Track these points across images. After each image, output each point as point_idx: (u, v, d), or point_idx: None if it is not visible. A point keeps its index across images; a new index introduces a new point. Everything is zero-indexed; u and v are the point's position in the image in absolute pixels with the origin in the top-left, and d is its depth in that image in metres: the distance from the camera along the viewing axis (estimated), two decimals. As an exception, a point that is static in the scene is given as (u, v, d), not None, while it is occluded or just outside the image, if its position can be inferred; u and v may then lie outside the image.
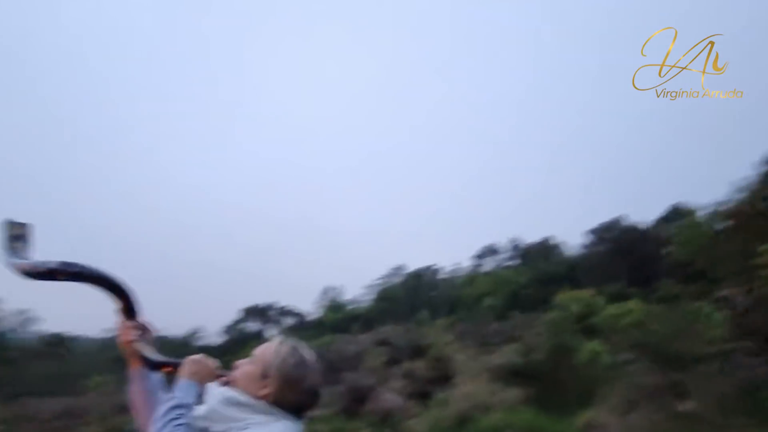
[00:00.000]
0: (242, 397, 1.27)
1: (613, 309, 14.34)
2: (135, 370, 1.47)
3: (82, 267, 1.34)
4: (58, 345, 29.62)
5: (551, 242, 32.70)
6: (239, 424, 1.23)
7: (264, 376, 1.31)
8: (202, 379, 1.37)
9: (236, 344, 28.91)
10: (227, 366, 1.40)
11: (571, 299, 15.73)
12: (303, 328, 30.54)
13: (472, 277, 32.19)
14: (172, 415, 1.26)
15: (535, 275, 26.73)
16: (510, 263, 34.61)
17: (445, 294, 30.14)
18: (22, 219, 1.36)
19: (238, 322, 34.01)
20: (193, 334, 35.41)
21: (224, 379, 1.40)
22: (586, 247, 28.19)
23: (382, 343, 14.84)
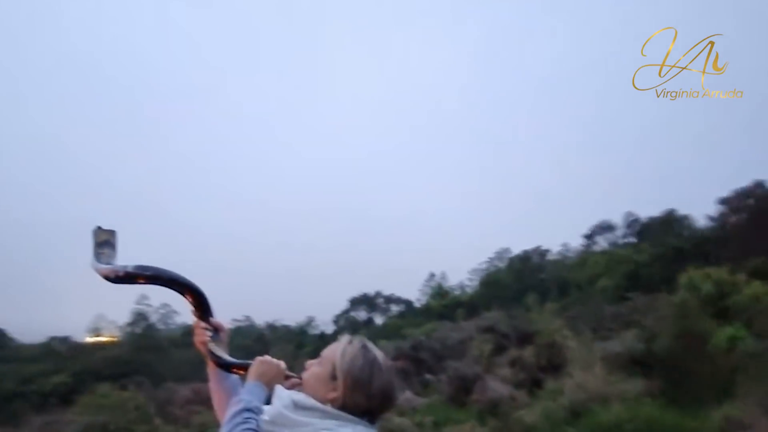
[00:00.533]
0: (309, 401, 1.22)
1: (755, 288, 12.49)
2: (212, 369, 1.46)
3: (156, 270, 1.38)
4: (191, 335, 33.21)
5: (674, 215, 29.47)
6: (307, 429, 1.18)
7: (332, 378, 1.26)
8: (270, 380, 1.34)
9: (346, 332, 30.12)
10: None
11: (701, 278, 13.95)
12: (409, 315, 30.88)
13: (584, 258, 30.14)
14: (239, 419, 1.22)
15: (656, 252, 24.26)
16: (626, 240, 31.87)
17: (553, 277, 28.61)
18: (108, 225, 1.42)
19: (347, 311, 35.40)
20: (308, 324, 37.66)
21: (293, 381, 1.36)
22: (716, 218, 24.99)
23: (488, 330, 14.43)
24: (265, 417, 1.23)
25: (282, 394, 1.27)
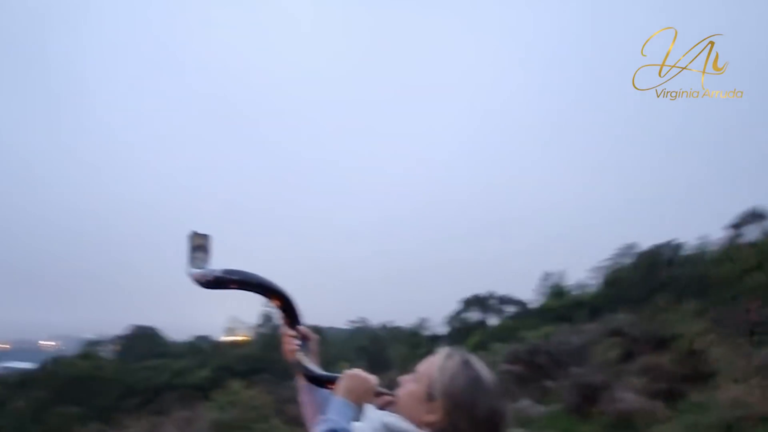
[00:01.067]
0: (403, 424, 1.10)
1: None
2: (301, 381, 1.39)
3: (244, 274, 1.34)
4: (316, 334, 35.18)
5: None
6: None
7: (429, 398, 1.13)
8: (359, 398, 1.21)
9: (459, 334, 29.69)
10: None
11: None
12: (524, 316, 29.53)
13: (729, 251, 26.37)
14: None
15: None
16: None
17: (690, 273, 25.42)
18: (203, 230, 1.40)
19: (459, 312, 34.85)
20: (420, 325, 37.79)
21: (385, 399, 1.24)
22: None
23: (614, 333, 13.15)
24: None
25: (372, 415, 1.14)
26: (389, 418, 1.13)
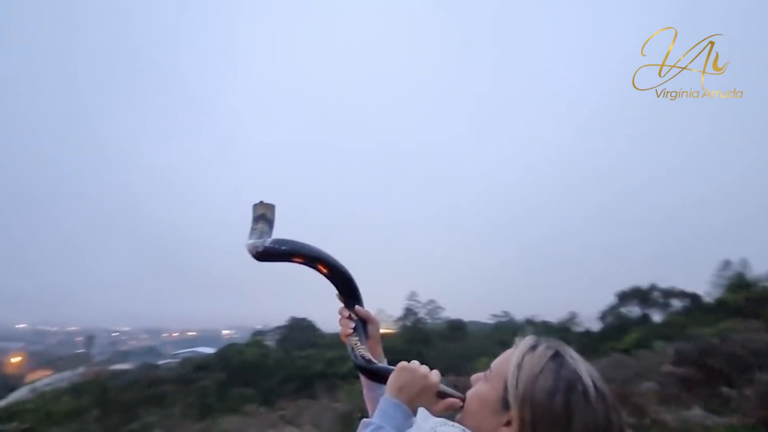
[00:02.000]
0: None
1: None
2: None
3: (294, 244, 1.18)
4: (457, 329, 34.98)
5: None
6: None
7: (503, 405, 0.86)
8: (412, 398, 0.96)
9: (615, 330, 26.89)
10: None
11: None
12: (696, 311, 25.68)
13: None
14: None
15: None
16: None
17: None
18: (268, 200, 1.30)
19: (615, 306, 31.63)
20: (570, 320, 35.14)
21: (449, 402, 0.99)
22: None
23: (818, 332, 10.59)
24: None
25: (424, 424, 0.88)
26: (445, 428, 0.86)
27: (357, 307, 1.21)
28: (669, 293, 30.41)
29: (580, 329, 31.98)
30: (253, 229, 1.24)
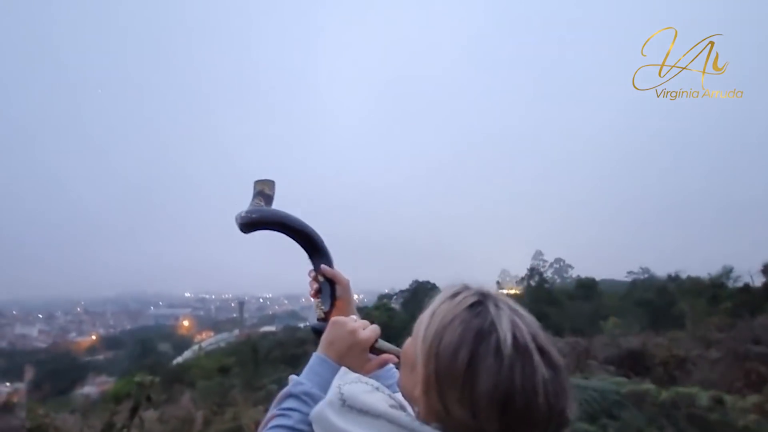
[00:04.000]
0: (364, 399, 0.73)
1: None
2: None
3: (262, 212, 1.19)
4: (588, 288, 32.91)
5: None
6: None
7: (413, 365, 0.76)
8: (341, 355, 0.91)
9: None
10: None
11: None
12: None
13: None
14: (277, 409, 0.84)
15: None
16: None
17: None
18: (268, 176, 1.30)
19: (783, 257, 27.03)
20: (725, 275, 30.95)
21: (383, 358, 0.95)
22: None
23: None
24: (310, 413, 0.78)
25: (336, 381, 0.79)
26: (354, 386, 0.76)
27: (322, 266, 1.15)
28: None
29: (737, 285, 28.05)
30: (251, 204, 1.25)
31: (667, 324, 18.25)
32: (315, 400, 0.80)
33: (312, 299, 1.17)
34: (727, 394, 5.42)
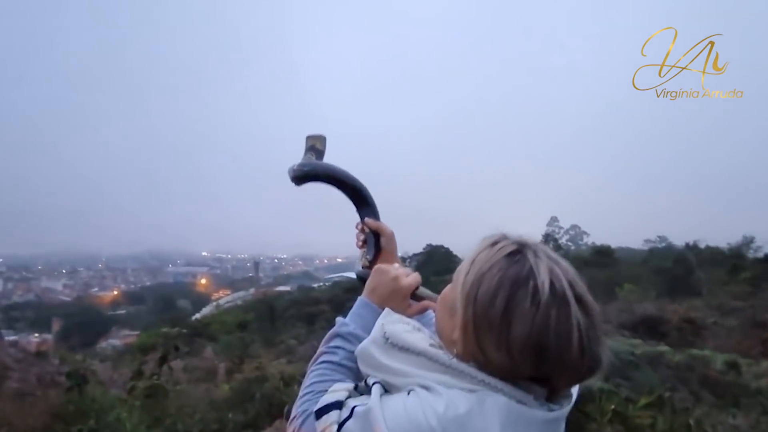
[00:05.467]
0: (406, 338, 0.79)
1: None
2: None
3: (313, 165, 1.23)
4: (604, 255, 32.78)
5: None
6: (396, 379, 0.76)
7: (452, 310, 0.79)
8: (384, 299, 0.96)
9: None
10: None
11: None
12: None
13: None
14: (325, 347, 0.92)
15: None
16: None
17: None
18: (319, 132, 1.35)
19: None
20: (745, 244, 30.48)
21: (423, 304, 1.00)
22: None
23: None
24: (356, 350, 0.85)
25: (380, 320, 0.85)
26: (396, 326, 0.81)
27: (366, 219, 1.20)
28: None
29: (757, 255, 27.64)
30: (302, 158, 1.29)
31: (684, 292, 18.20)
32: (359, 339, 0.86)
33: (358, 249, 1.21)
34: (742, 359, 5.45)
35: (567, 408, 0.76)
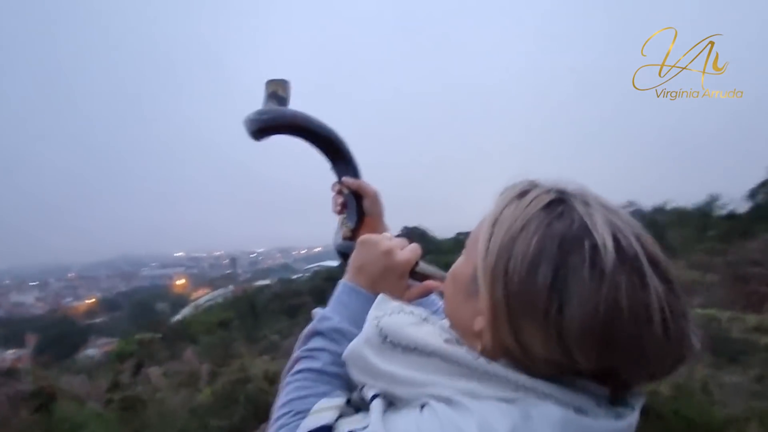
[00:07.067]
0: (412, 334, 0.56)
1: None
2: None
3: (274, 113, 0.97)
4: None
5: None
6: (403, 390, 0.55)
7: (470, 291, 0.57)
8: (376, 280, 0.72)
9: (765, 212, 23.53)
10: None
11: None
12: None
13: None
14: (300, 350, 0.68)
15: None
16: None
17: None
18: (282, 76, 1.08)
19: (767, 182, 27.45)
20: (710, 203, 31.34)
21: (427, 285, 0.77)
22: None
23: None
24: (344, 353, 0.62)
25: (372, 314, 0.62)
26: (396, 318, 0.59)
27: (344, 178, 0.96)
28: None
29: (723, 212, 28.50)
30: (264, 107, 1.05)
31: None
32: (346, 337, 0.65)
33: (336, 216, 0.97)
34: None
35: (638, 410, 0.55)
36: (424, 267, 0.77)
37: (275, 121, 0.97)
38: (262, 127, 0.97)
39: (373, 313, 0.62)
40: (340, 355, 0.63)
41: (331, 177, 0.99)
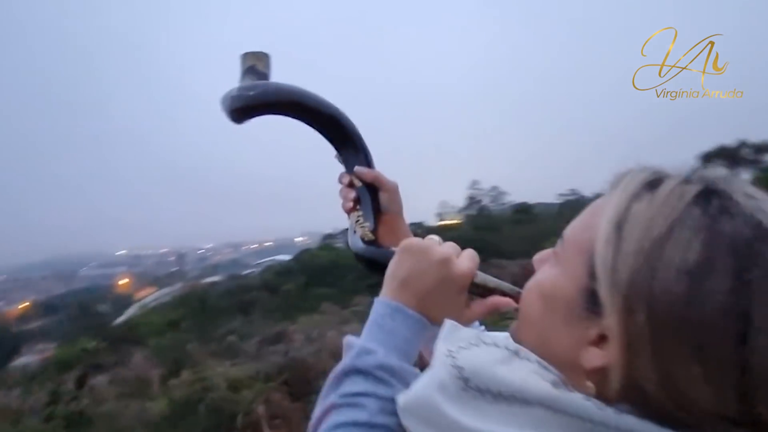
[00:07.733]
0: (508, 376, 0.42)
1: None
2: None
3: (262, 89, 0.77)
4: (524, 212, 34.54)
5: None
6: None
7: (590, 304, 0.42)
8: (426, 299, 0.54)
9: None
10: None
11: None
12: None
13: None
14: (342, 396, 0.48)
15: None
16: None
17: None
18: (260, 49, 0.91)
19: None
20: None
21: (492, 301, 0.59)
22: None
23: None
24: (400, 400, 0.45)
25: (442, 347, 0.46)
26: (478, 354, 0.44)
27: (357, 168, 0.77)
28: (763, 148, 27.43)
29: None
30: (240, 83, 0.87)
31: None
32: (398, 375, 0.49)
33: (347, 214, 0.79)
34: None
35: None
36: (484, 278, 0.61)
37: (266, 97, 0.78)
38: (250, 105, 0.78)
39: (443, 346, 0.46)
40: (390, 400, 0.46)
41: (332, 166, 0.81)
